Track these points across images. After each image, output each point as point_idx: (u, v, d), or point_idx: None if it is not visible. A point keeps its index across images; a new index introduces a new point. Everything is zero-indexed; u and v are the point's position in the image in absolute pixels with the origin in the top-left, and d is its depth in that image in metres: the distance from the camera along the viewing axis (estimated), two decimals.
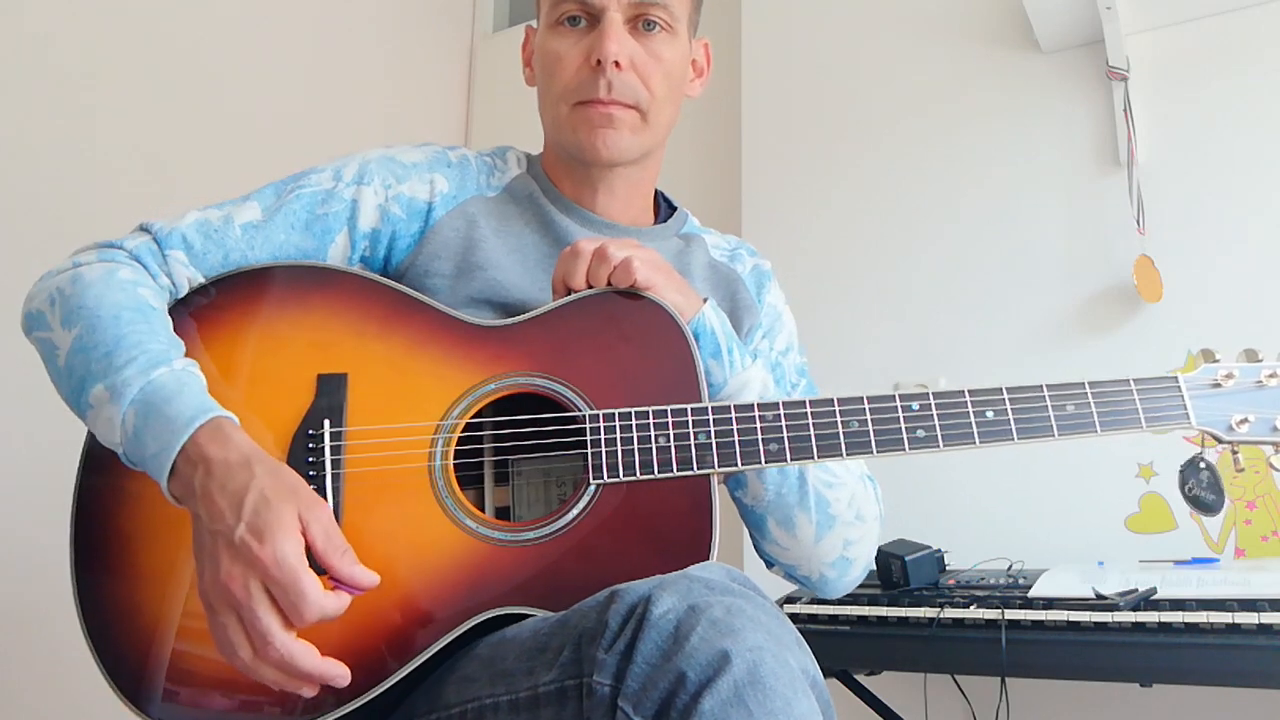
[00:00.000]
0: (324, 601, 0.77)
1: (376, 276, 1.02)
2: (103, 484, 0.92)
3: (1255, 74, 1.89)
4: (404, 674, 0.86)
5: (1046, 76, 2.08)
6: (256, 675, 0.79)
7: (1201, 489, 1.04)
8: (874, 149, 2.26)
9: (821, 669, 0.78)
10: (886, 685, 1.80)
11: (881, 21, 2.31)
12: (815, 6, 2.41)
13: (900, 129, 2.23)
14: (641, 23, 1.08)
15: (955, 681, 1.83)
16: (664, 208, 1.21)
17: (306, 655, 0.78)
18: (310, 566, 0.78)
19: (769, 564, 1.10)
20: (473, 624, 0.88)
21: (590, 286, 0.98)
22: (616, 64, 1.05)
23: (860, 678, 1.77)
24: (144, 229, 1.01)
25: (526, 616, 0.87)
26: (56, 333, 0.91)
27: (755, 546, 1.09)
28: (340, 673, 0.80)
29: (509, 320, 0.99)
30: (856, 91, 2.31)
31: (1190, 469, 1.03)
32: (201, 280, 0.99)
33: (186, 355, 0.91)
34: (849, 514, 1.05)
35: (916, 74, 2.24)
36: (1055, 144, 2.05)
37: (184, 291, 0.99)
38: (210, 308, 0.98)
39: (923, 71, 2.23)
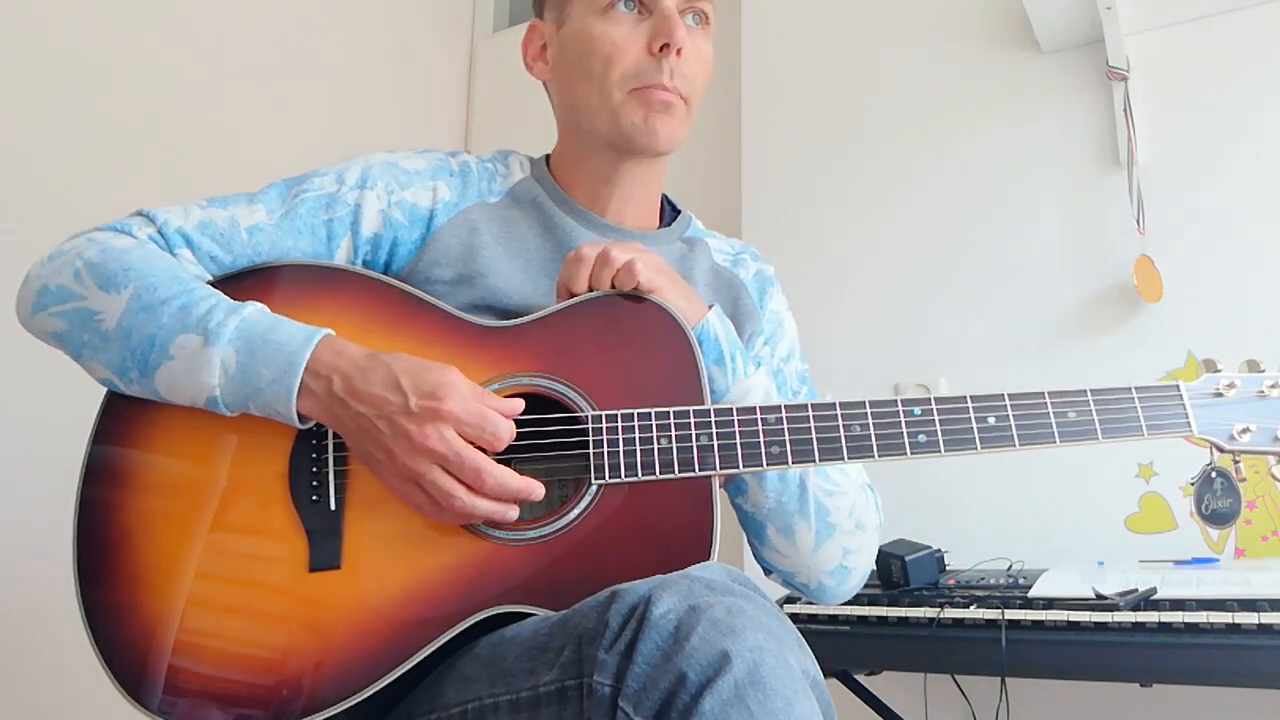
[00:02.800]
0: (510, 426, 0.88)
1: (382, 276, 1.02)
2: (105, 481, 0.92)
3: (1255, 74, 1.89)
4: (403, 671, 0.86)
5: (1046, 76, 2.08)
6: (471, 514, 0.87)
7: (1217, 500, 1.03)
8: (874, 149, 2.26)
9: (821, 669, 0.78)
10: (886, 685, 1.81)
11: (881, 22, 2.31)
12: (815, 7, 2.41)
13: (900, 129, 2.23)
14: (691, 15, 1.08)
15: (955, 681, 1.83)
16: (668, 211, 1.21)
17: (513, 475, 0.88)
18: None
19: (767, 571, 1.10)
20: (473, 622, 0.88)
21: (593, 290, 0.98)
22: (678, 51, 1.05)
23: (860, 678, 1.77)
24: (148, 218, 0.99)
25: (527, 615, 0.87)
26: (95, 298, 0.92)
27: (754, 553, 1.09)
28: (538, 485, 0.89)
29: (513, 321, 0.99)
30: (856, 91, 2.31)
31: (1205, 486, 1.03)
32: (209, 278, 0.99)
33: None
34: (849, 523, 1.05)
35: (916, 74, 2.24)
36: (1055, 144, 2.05)
37: None
38: None
39: (923, 71, 2.23)
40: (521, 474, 0.89)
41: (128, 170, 2.06)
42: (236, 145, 2.26)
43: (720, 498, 0.93)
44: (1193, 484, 1.01)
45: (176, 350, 0.89)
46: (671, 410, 0.93)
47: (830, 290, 2.21)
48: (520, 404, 0.91)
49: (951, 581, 1.63)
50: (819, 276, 2.22)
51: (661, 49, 1.04)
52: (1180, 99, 1.95)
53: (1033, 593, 1.46)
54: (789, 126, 2.38)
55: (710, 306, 1.03)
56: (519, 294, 1.04)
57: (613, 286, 0.98)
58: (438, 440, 0.85)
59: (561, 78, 1.12)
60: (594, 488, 0.92)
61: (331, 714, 0.85)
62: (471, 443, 0.86)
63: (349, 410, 0.87)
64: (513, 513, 0.88)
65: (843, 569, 1.06)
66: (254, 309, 0.92)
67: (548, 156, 1.18)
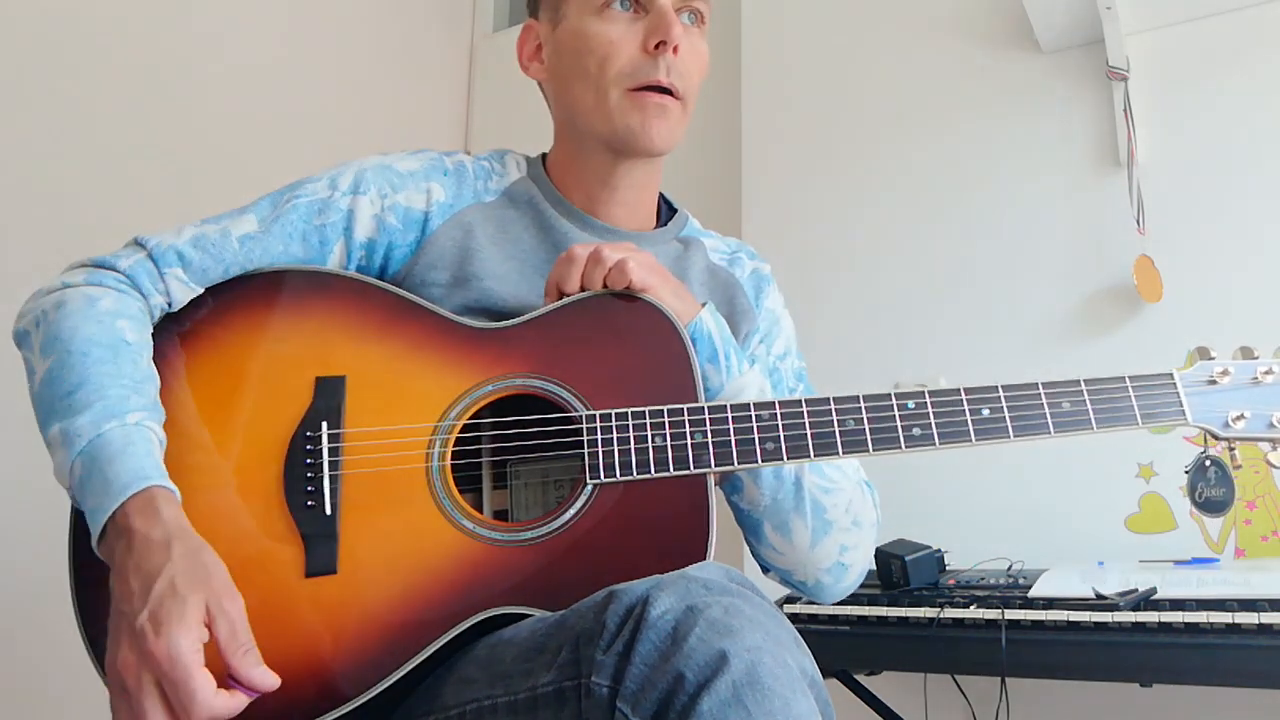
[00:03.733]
0: (215, 702, 0.74)
1: (374, 280, 1.01)
2: None
3: (1255, 74, 1.89)
4: (401, 674, 0.86)
5: (1046, 76, 2.08)
6: None
7: (1211, 488, 1.03)
8: (874, 149, 2.25)
9: (821, 669, 0.78)
10: (886, 685, 1.80)
11: (881, 21, 2.31)
12: (815, 7, 2.41)
13: (900, 129, 2.23)
14: (686, 14, 1.08)
15: (955, 681, 1.83)
16: (665, 210, 1.21)
17: None
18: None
19: (765, 569, 1.10)
20: (470, 624, 0.88)
21: (585, 290, 0.98)
22: (674, 48, 1.05)
23: (860, 678, 1.77)
24: (140, 244, 0.98)
25: (524, 616, 0.87)
26: (35, 357, 0.91)
27: (751, 551, 1.09)
28: None
29: (506, 323, 0.99)
30: (856, 91, 2.31)
31: (1198, 474, 1.03)
32: (193, 295, 0.98)
33: (186, 365, 0.91)
34: (845, 520, 1.04)
35: (916, 74, 2.24)
36: (1055, 144, 2.04)
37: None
38: (209, 313, 0.98)
39: (923, 71, 2.23)
40: (515, 478, 0.89)
41: (126, 169, 2.06)
42: (236, 145, 2.26)
43: (717, 496, 0.93)
44: (1187, 472, 1.01)
45: (50, 439, 0.87)
46: (666, 409, 0.93)
47: (830, 289, 2.21)
48: (276, 681, 0.78)
49: (951, 581, 1.63)
50: (819, 276, 2.22)
51: (657, 46, 1.04)
52: (1180, 99, 1.95)
53: (1033, 593, 1.46)
54: (789, 126, 2.38)
55: (703, 304, 1.02)
56: (514, 295, 1.04)
57: (605, 286, 0.98)
58: (133, 676, 0.75)
59: (557, 78, 1.12)
60: (589, 487, 0.91)
61: (330, 717, 0.85)
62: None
63: (113, 578, 0.81)
64: None
65: (840, 566, 1.06)
66: (116, 427, 0.84)
67: (544, 156, 1.18)
